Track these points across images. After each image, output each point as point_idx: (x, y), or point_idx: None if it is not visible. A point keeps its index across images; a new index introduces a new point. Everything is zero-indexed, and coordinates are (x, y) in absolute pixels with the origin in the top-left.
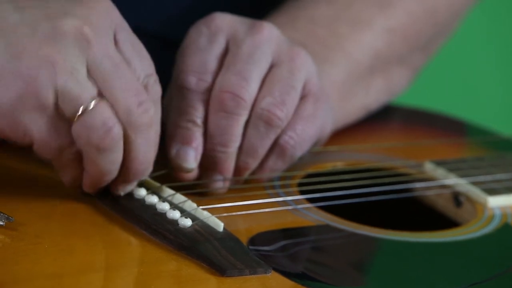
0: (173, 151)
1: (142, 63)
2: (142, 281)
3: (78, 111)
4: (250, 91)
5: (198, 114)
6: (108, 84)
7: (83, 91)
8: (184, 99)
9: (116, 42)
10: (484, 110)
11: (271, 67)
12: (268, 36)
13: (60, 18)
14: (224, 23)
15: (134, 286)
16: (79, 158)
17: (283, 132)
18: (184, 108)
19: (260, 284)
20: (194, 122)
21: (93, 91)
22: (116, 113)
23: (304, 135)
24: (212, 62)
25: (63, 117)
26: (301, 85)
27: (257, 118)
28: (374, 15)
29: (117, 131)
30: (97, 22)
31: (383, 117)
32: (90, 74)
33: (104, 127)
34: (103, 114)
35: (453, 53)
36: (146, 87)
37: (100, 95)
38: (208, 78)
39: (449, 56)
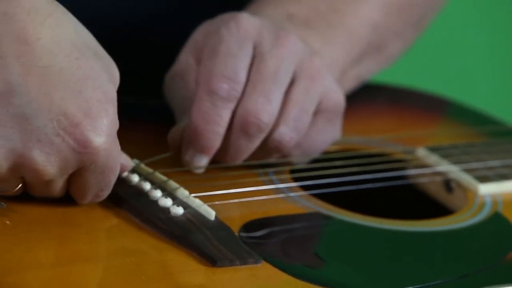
0: (188, 154)
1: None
2: (134, 270)
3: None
4: (272, 112)
5: (223, 124)
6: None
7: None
8: (212, 105)
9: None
10: (476, 98)
11: (291, 83)
12: (291, 50)
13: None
14: (252, 28)
15: (126, 276)
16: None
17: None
18: (211, 115)
19: (250, 275)
20: (217, 133)
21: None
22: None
23: (310, 151)
24: (243, 72)
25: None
26: (316, 105)
27: (269, 142)
28: None
29: None
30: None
31: (380, 99)
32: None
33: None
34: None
35: (446, 42)
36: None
37: None
38: (239, 88)
39: (443, 45)
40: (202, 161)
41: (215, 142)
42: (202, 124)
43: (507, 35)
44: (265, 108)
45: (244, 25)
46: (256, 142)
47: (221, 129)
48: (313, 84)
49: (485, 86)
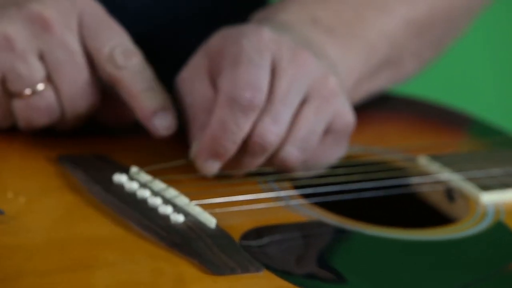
0: (202, 159)
1: (106, 37)
2: (134, 278)
3: (24, 91)
4: (278, 133)
5: (241, 134)
6: (56, 73)
7: (32, 73)
8: (232, 115)
9: (80, 27)
10: (477, 105)
11: (303, 102)
12: (306, 70)
13: (26, 2)
14: (271, 42)
15: (126, 284)
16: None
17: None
18: (230, 124)
19: (252, 283)
20: (234, 142)
21: (41, 74)
22: (60, 100)
23: (313, 167)
24: (265, 81)
25: (6, 91)
26: (325, 125)
27: (274, 159)
28: (398, 4)
29: (57, 116)
30: (61, 9)
31: (394, 109)
32: (42, 58)
33: (47, 111)
34: (48, 99)
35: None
36: (110, 57)
37: (49, 79)
38: (261, 97)
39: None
40: (215, 166)
41: (231, 150)
42: (219, 132)
43: (507, 38)
44: (271, 129)
45: (264, 38)
46: (260, 160)
47: (238, 138)
48: (325, 105)
49: (485, 92)
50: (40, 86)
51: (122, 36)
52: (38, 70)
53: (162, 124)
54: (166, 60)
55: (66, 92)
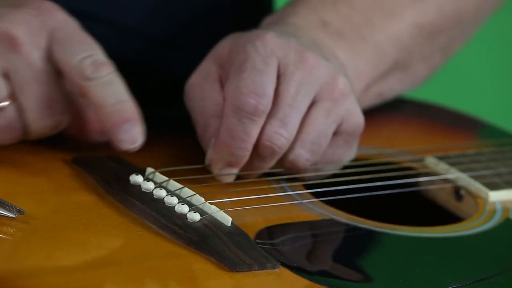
0: (217, 168)
1: (75, 49)
2: (154, 275)
3: None
4: (287, 136)
5: (250, 140)
6: (21, 92)
7: None
8: (239, 122)
9: (49, 44)
10: (475, 105)
11: (312, 104)
12: (314, 73)
13: None
14: (277, 47)
15: (146, 281)
16: None
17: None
18: (237, 131)
19: (268, 279)
20: (245, 149)
21: (4, 92)
22: (23, 118)
23: (325, 169)
24: (269, 86)
25: None
26: (335, 127)
27: (284, 162)
28: (407, 8)
29: (18, 133)
30: (30, 27)
31: (402, 112)
32: (7, 76)
33: (8, 129)
34: (9, 117)
35: None
36: (79, 68)
37: (13, 97)
38: (266, 103)
39: None
40: (231, 173)
41: (244, 157)
42: (229, 140)
43: (507, 39)
44: (280, 131)
45: (270, 44)
46: (270, 164)
47: (248, 145)
48: (334, 107)
49: (485, 93)
50: (2, 104)
51: (94, 49)
52: (1, 88)
53: (128, 137)
54: (165, 75)
55: (31, 111)
